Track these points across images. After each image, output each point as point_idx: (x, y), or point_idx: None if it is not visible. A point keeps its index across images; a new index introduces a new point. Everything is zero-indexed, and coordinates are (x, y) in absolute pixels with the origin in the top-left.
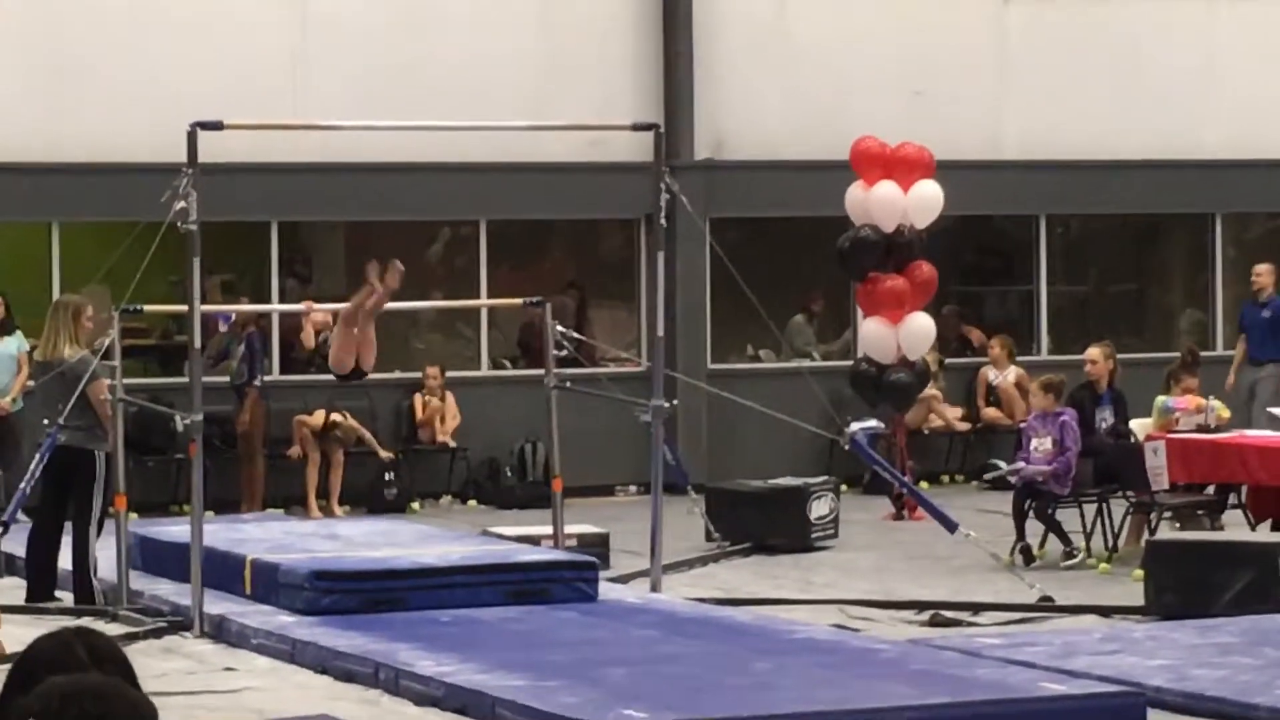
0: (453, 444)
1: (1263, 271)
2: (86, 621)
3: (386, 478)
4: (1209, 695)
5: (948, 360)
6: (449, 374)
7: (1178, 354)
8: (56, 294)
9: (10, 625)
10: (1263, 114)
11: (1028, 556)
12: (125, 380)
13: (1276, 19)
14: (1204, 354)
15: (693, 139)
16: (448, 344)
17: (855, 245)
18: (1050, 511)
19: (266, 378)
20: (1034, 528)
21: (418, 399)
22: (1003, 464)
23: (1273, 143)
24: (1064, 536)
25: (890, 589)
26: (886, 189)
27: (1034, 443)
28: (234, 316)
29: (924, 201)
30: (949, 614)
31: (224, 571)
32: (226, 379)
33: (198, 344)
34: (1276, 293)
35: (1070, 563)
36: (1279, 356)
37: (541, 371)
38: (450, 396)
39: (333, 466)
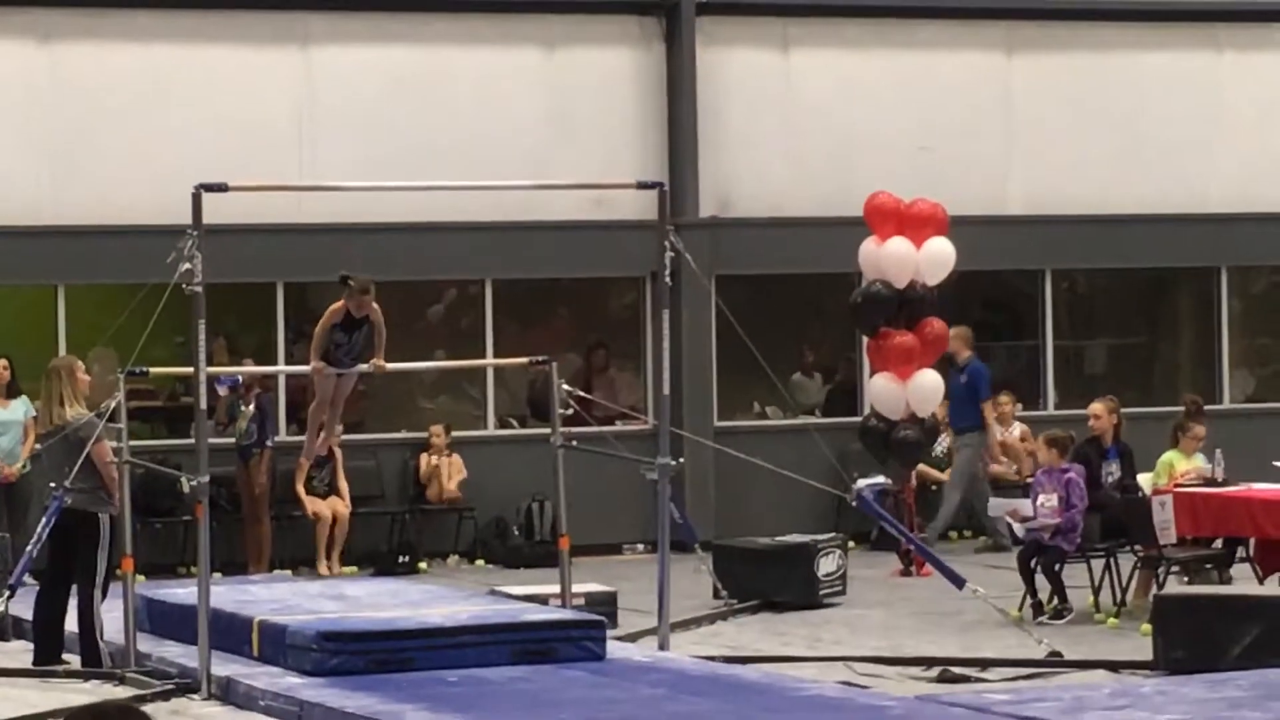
0: (460, 503)
1: (951, 336)
2: (94, 684)
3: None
4: None
5: None
6: (456, 433)
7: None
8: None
9: (19, 689)
10: (1268, 167)
11: (1036, 612)
12: (132, 442)
13: None
14: (1211, 407)
15: (697, 197)
16: (455, 403)
17: (868, 300)
18: (1057, 568)
19: (276, 439)
20: (1043, 583)
21: (423, 458)
22: (1000, 502)
23: (1278, 196)
24: (1062, 594)
25: (898, 645)
26: (899, 245)
27: (1040, 498)
28: (240, 379)
29: (936, 258)
30: (957, 670)
31: (231, 633)
32: (233, 440)
33: (204, 406)
34: (974, 357)
35: (1059, 621)
36: (977, 424)
37: (548, 430)
38: (456, 456)
39: (337, 521)
